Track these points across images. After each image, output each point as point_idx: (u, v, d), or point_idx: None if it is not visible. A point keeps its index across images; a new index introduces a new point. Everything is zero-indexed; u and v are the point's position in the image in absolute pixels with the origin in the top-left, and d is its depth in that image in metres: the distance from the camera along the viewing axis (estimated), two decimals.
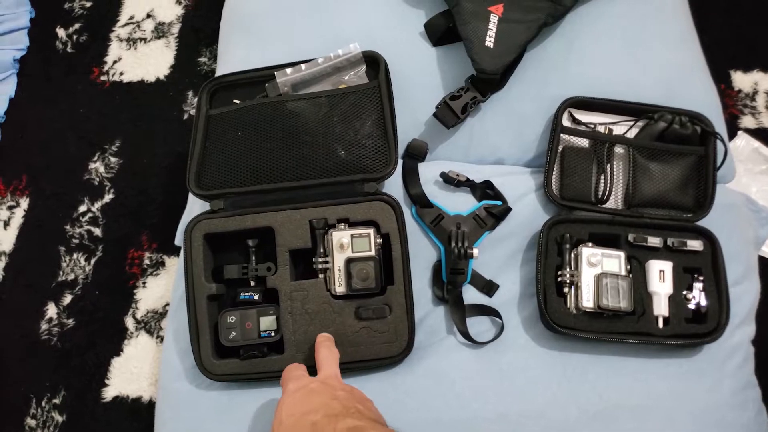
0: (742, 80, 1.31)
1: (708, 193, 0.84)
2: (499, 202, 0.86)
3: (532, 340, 0.81)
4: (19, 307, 1.20)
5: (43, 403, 1.11)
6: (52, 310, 1.18)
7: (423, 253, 0.85)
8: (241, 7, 1.04)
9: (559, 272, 0.81)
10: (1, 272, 1.23)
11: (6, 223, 1.27)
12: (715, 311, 0.79)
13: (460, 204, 0.87)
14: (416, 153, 0.89)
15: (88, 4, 1.46)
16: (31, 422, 1.10)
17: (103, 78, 1.36)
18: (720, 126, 0.90)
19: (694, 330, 0.78)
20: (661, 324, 0.78)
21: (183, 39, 1.40)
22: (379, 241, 0.81)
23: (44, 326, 1.17)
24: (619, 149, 0.87)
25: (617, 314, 0.78)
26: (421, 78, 0.91)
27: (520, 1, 0.87)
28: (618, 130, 0.88)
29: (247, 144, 0.87)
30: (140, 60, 1.37)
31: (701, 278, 0.80)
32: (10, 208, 1.28)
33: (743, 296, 0.84)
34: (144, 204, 1.24)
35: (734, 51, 1.31)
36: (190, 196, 0.98)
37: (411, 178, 0.87)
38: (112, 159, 1.28)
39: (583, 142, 0.87)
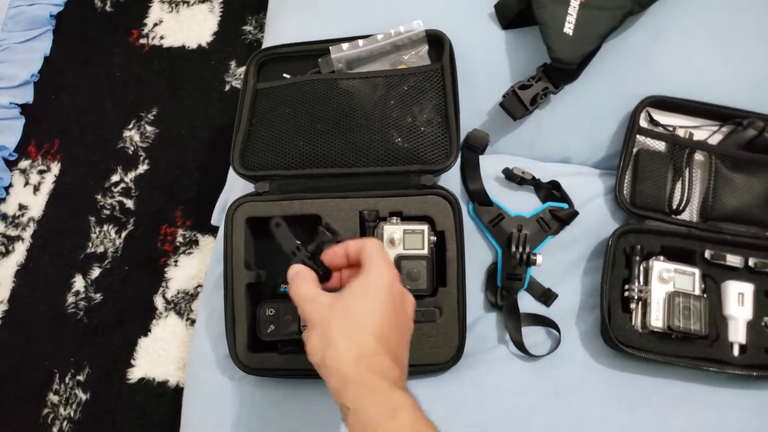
0: None
1: None
2: (565, 205, 0.79)
3: (591, 357, 0.76)
4: (46, 277, 1.16)
5: (67, 380, 1.08)
6: (79, 283, 1.14)
7: (478, 255, 0.80)
8: None
9: (627, 286, 0.75)
10: (29, 239, 1.20)
11: (36, 188, 1.23)
12: None
13: (522, 204, 0.81)
14: (476, 145, 0.82)
15: None
16: (53, 398, 1.07)
17: (143, 41, 1.31)
18: None
19: None
20: (736, 352, 0.72)
21: (228, 4, 1.33)
22: (433, 239, 0.75)
23: (71, 299, 1.13)
24: (699, 156, 0.79)
25: (688, 337, 0.72)
26: (487, 63, 0.85)
27: None
28: (700, 135, 0.81)
29: (297, 123, 0.81)
30: (182, 24, 1.31)
31: None
32: (41, 172, 1.24)
33: None
34: (179, 178, 1.19)
35: None
36: (231, 174, 0.93)
37: (471, 173, 0.81)
38: (148, 128, 1.23)
39: (660, 146, 0.80)
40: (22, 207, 1.23)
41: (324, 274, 0.59)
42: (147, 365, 1.08)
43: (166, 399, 1.04)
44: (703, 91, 0.81)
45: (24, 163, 1.26)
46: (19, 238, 1.20)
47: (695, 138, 0.80)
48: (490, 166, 0.83)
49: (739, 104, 0.80)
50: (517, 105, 0.80)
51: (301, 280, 0.57)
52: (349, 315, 0.52)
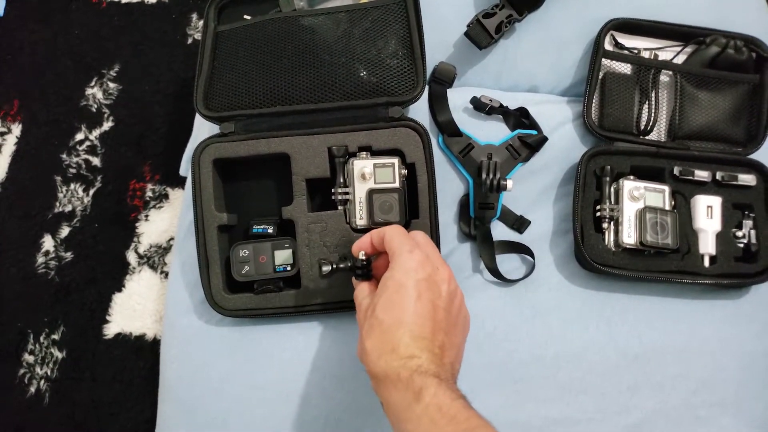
0: None
1: (762, 125, 0.78)
2: (534, 132, 0.79)
3: (566, 279, 0.76)
4: (14, 239, 1.14)
5: (42, 339, 1.07)
6: (48, 243, 1.12)
7: (449, 186, 0.80)
8: None
9: (598, 207, 0.75)
10: None
11: None
12: (766, 250, 0.73)
13: (491, 133, 0.80)
14: (444, 78, 0.81)
15: None
16: (29, 358, 1.06)
17: None
18: None
19: (744, 269, 0.73)
20: (707, 263, 0.73)
21: None
22: (404, 171, 0.75)
23: (41, 259, 1.11)
24: (664, 77, 0.80)
25: (660, 252, 0.73)
26: None
27: None
28: (664, 56, 0.81)
29: (260, 63, 0.79)
30: None
31: (752, 215, 0.75)
32: (1, 134, 1.20)
33: None
34: (146, 133, 1.16)
35: None
36: (197, 121, 0.91)
37: (439, 104, 0.80)
38: (111, 84, 1.20)
39: (626, 69, 0.80)
40: None
41: (365, 274, 0.62)
42: (123, 320, 1.07)
43: (144, 352, 1.04)
44: (665, 12, 0.81)
45: None
46: None
47: (660, 59, 0.80)
48: (458, 97, 0.82)
49: (700, 23, 0.80)
50: (482, 33, 0.79)
51: (357, 290, 0.61)
52: (374, 316, 0.54)
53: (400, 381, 0.50)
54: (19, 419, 1.05)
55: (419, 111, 0.81)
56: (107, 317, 1.07)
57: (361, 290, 0.60)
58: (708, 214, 0.74)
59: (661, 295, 0.74)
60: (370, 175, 0.74)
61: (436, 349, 0.52)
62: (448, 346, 0.54)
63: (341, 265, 0.63)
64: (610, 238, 0.75)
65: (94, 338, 1.05)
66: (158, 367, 0.82)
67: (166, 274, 1.07)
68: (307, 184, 0.76)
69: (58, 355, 1.05)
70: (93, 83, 1.20)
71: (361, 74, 0.77)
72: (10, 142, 1.19)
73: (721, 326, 0.73)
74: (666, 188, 0.74)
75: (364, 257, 0.61)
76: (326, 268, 0.63)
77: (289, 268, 0.75)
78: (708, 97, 0.78)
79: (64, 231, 1.12)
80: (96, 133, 1.17)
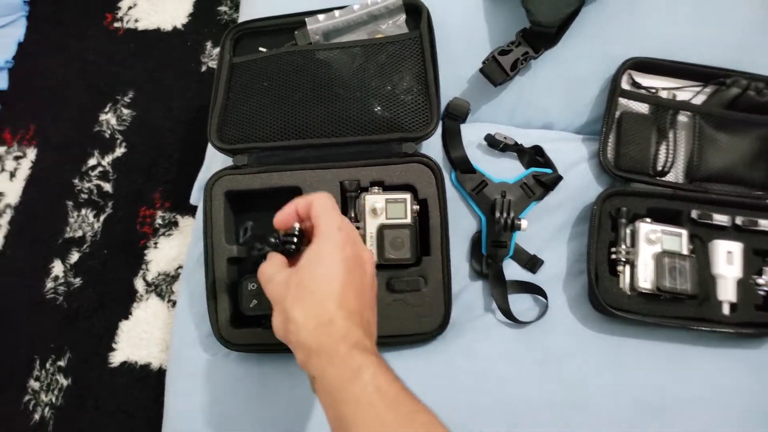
0: None
1: None
2: (549, 170, 0.78)
3: (579, 322, 0.75)
4: (24, 263, 1.14)
5: (48, 365, 1.06)
6: (58, 268, 1.12)
7: (461, 223, 0.78)
8: None
9: (613, 249, 0.74)
10: (6, 225, 1.17)
11: (12, 174, 1.20)
12: None
13: (505, 170, 0.79)
14: (457, 113, 0.81)
15: None
16: (34, 384, 1.05)
17: (117, 24, 1.28)
18: None
19: (765, 318, 0.71)
20: (727, 310, 0.71)
21: None
22: (416, 207, 0.74)
23: (50, 284, 1.11)
24: (683, 117, 0.79)
25: (677, 297, 0.71)
26: (465, 30, 0.83)
27: None
28: (683, 96, 0.80)
29: (275, 95, 0.80)
30: (156, 7, 1.29)
31: None
32: (17, 158, 1.21)
33: None
34: (158, 160, 1.17)
35: None
36: (209, 151, 0.91)
37: (453, 141, 0.80)
38: (125, 111, 1.21)
39: (644, 108, 0.79)
40: None
41: (295, 250, 0.58)
42: (129, 348, 1.06)
43: (150, 381, 1.02)
44: (686, 52, 0.80)
45: None
46: None
47: (678, 99, 0.79)
48: (472, 134, 0.81)
49: (721, 64, 0.79)
50: (497, 71, 0.79)
51: (263, 265, 0.57)
52: (302, 287, 0.51)
53: (337, 356, 0.48)
54: None
55: (432, 146, 0.80)
56: (113, 345, 1.06)
57: (273, 263, 0.56)
58: (728, 260, 0.72)
59: (678, 341, 0.72)
60: (381, 210, 0.73)
61: (366, 326, 0.51)
62: (373, 324, 0.53)
63: (280, 239, 0.58)
64: (625, 281, 0.73)
65: (100, 366, 1.05)
66: (162, 398, 0.80)
67: (174, 303, 1.06)
68: None
69: (64, 382, 1.05)
70: (107, 109, 1.22)
71: (376, 109, 0.77)
72: (25, 166, 1.20)
73: (741, 377, 0.71)
74: (684, 232, 0.73)
75: (297, 229, 0.58)
76: (265, 248, 0.60)
77: None
78: (728, 139, 0.77)
79: (74, 256, 1.12)
80: (108, 158, 1.18)
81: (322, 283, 0.51)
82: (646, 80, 0.80)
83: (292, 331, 0.51)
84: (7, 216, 1.17)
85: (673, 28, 0.82)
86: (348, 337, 0.49)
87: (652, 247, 0.72)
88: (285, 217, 0.58)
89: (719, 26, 0.82)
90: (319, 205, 0.55)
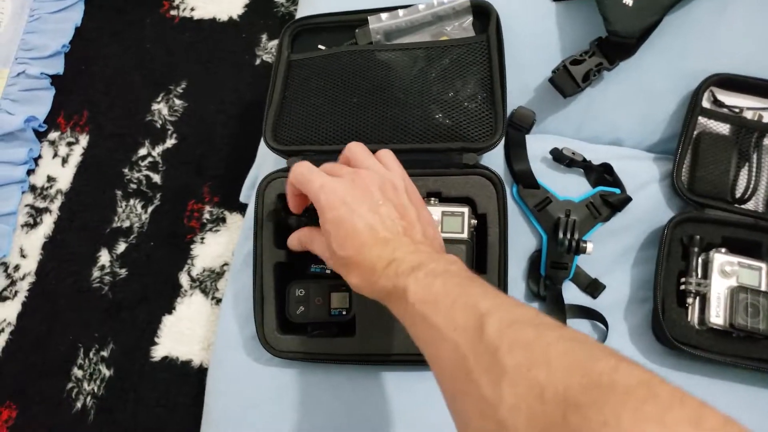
0: None
1: None
2: (617, 190, 0.74)
3: (640, 354, 0.71)
4: (72, 250, 1.15)
5: (91, 354, 1.07)
6: (105, 257, 1.12)
7: (520, 240, 0.75)
8: None
9: (683, 279, 0.69)
10: (57, 211, 1.18)
11: (64, 160, 1.22)
12: None
13: (570, 188, 0.75)
14: (522, 123, 0.77)
15: None
16: (78, 372, 1.06)
17: (173, 12, 1.28)
18: None
19: None
20: None
21: None
22: (474, 222, 0.71)
23: (96, 273, 1.12)
24: None
25: (751, 336, 0.66)
26: (535, 37, 0.79)
27: None
28: None
29: (332, 97, 0.77)
30: None
31: None
32: (69, 144, 1.22)
33: None
34: (208, 153, 1.16)
35: None
36: (261, 149, 0.90)
37: (516, 153, 0.76)
38: (177, 101, 1.20)
39: (724, 129, 0.74)
40: (50, 179, 1.21)
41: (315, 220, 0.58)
42: (171, 343, 1.06)
43: (190, 378, 1.02)
44: None
45: (53, 135, 1.25)
46: (47, 210, 1.19)
47: (765, 120, 0.74)
48: (536, 146, 0.77)
49: None
50: (568, 81, 0.75)
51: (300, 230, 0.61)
52: (337, 258, 0.52)
53: (433, 254, 0.48)
54: None
55: (495, 157, 0.77)
56: (156, 339, 1.06)
57: (305, 234, 0.60)
58: None
59: (752, 384, 0.68)
60: (437, 223, 0.70)
61: (422, 240, 0.52)
62: (431, 232, 0.54)
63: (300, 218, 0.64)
64: (694, 314, 0.68)
65: (142, 359, 1.05)
66: (202, 396, 0.80)
67: (217, 300, 1.06)
68: None
69: (106, 372, 1.05)
70: (160, 99, 1.21)
71: (437, 116, 0.74)
72: (77, 153, 1.21)
73: None
74: (763, 266, 0.68)
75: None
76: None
77: (344, 313, 0.72)
78: None
79: (121, 247, 1.13)
80: (159, 149, 1.18)
81: (347, 247, 0.51)
82: (730, 98, 0.75)
83: (366, 292, 0.51)
84: (58, 202, 1.19)
85: (761, 43, 0.76)
86: (409, 272, 0.47)
87: (726, 280, 0.67)
88: (292, 201, 0.61)
89: None
90: (295, 178, 0.57)
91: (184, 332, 1.05)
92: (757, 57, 0.75)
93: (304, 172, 0.56)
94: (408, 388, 0.72)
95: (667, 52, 0.77)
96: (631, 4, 0.72)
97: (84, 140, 1.22)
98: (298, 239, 0.62)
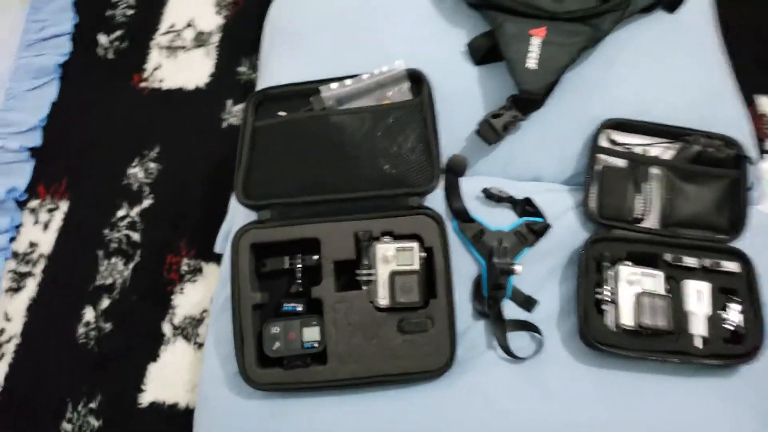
0: (766, 105, 1.32)
1: (742, 215, 0.85)
2: (540, 219, 0.87)
3: (572, 357, 0.83)
4: (57, 309, 1.21)
5: (80, 408, 1.12)
6: (89, 314, 1.19)
7: (464, 267, 0.87)
8: (285, 22, 1.07)
9: (598, 290, 0.82)
10: (40, 274, 1.25)
11: (46, 226, 1.28)
12: (752, 332, 0.80)
13: (500, 220, 0.89)
14: (457, 168, 0.90)
15: (130, 12, 1.48)
16: (67, 426, 1.11)
17: (143, 84, 1.38)
18: (752, 150, 0.91)
19: (732, 350, 0.79)
20: (699, 344, 0.80)
21: (223, 48, 1.41)
22: (423, 254, 0.83)
23: (82, 330, 1.18)
24: (655, 170, 0.88)
25: (657, 333, 0.79)
26: (462, 95, 0.93)
27: (562, 26, 0.89)
28: (655, 151, 0.90)
29: (294, 156, 0.89)
30: (180, 68, 1.39)
31: (738, 299, 0.82)
32: (50, 210, 1.29)
33: None
34: (182, 210, 1.25)
35: (758, 76, 1.32)
36: (232, 204, 1.00)
37: (453, 193, 0.89)
38: (152, 164, 1.30)
39: (622, 162, 0.89)
40: (32, 244, 1.28)
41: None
42: (157, 389, 1.12)
43: (177, 419, 1.08)
44: (653, 111, 0.90)
45: (34, 203, 1.31)
46: (30, 274, 1.25)
47: (651, 154, 0.89)
48: (470, 186, 0.90)
49: (685, 122, 0.89)
50: (490, 132, 0.88)
51: None
52: None
53: None
54: None
55: (436, 198, 0.89)
56: (142, 386, 1.12)
57: None
58: (698, 298, 0.81)
59: (658, 372, 0.80)
60: (392, 257, 0.82)
61: None
62: None
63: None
64: (610, 319, 0.81)
65: (129, 406, 1.11)
66: None
67: (199, 345, 1.14)
68: (334, 266, 0.84)
69: (95, 423, 1.10)
70: (135, 163, 1.31)
71: (384, 167, 0.87)
72: (58, 218, 1.28)
73: (714, 402, 0.79)
74: (661, 273, 0.81)
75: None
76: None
77: (316, 345, 0.81)
78: (694, 190, 0.87)
79: (105, 302, 1.20)
80: (137, 209, 1.26)
81: None
82: (623, 137, 0.90)
83: None
84: (41, 265, 1.25)
85: (641, 90, 0.93)
86: None
87: (632, 287, 0.81)
88: None
89: (679, 87, 0.93)
90: None
91: (169, 377, 1.12)
92: (639, 101, 0.92)
93: None
94: (381, 405, 0.81)
95: (570, 103, 0.92)
96: (534, 68, 0.87)
97: (64, 206, 1.29)
98: None
